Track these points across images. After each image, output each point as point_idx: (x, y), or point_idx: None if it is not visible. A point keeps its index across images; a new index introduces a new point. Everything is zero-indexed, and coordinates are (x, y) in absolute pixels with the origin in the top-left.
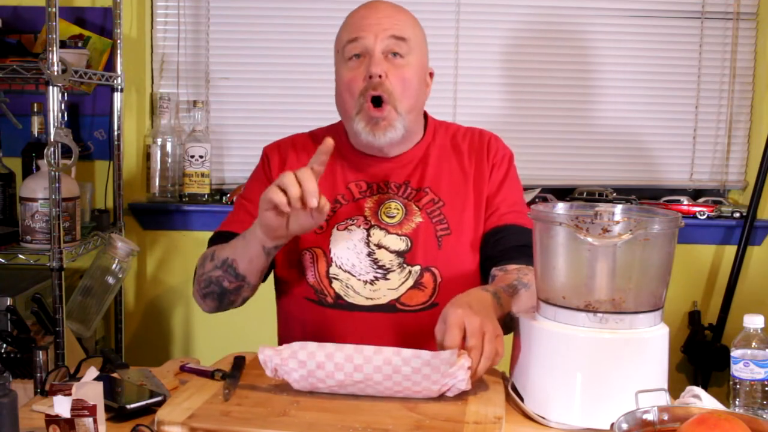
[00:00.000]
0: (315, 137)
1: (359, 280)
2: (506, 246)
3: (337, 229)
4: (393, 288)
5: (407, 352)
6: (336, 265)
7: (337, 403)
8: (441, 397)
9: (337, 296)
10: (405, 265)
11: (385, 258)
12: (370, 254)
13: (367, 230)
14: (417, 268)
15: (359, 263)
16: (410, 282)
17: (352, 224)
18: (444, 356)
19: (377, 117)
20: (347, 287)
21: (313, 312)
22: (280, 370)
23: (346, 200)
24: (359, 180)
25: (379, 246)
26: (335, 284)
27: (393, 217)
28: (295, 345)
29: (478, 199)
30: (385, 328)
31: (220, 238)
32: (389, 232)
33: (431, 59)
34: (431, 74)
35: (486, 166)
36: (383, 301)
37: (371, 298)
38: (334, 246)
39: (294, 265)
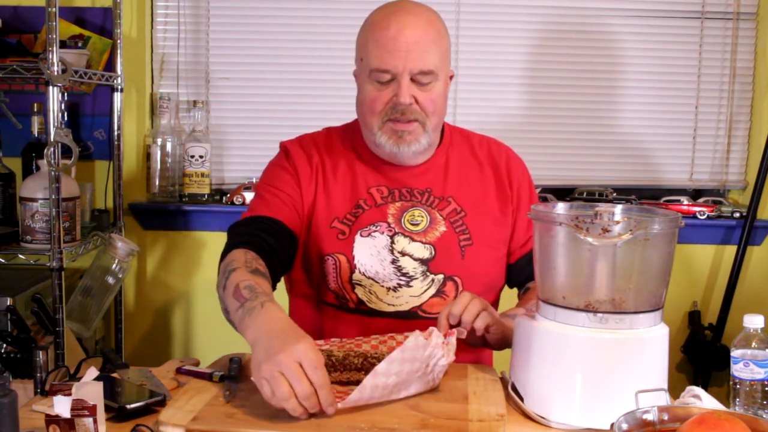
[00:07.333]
0: (331, 137)
1: (382, 286)
2: None
3: (361, 236)
4: (415, 295)
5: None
6: (359, 272)
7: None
8: (442, 396)
9: (360, 302)
10: (428, 273)
11: (409, 265)
12: (393, 261)
13: (391, 237)
14: (440, 276)
15: (383, 270)
16: (433, 290)
17: (375, 231)
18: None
19: (402, 130)
20: (370, 293)
21: (332, 316)
22: None
23: (368, 205)
24: (380, 185)
25: (403, 253)
26: (358, 290)
27: (417, 224)
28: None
29: (503, 217)
30: None
31: (250, 224)
32: (413, 240)
33: None
34: (451, 77)
35: (507, 185)
36: (405, 308)
37: (393, 305)
38: (358, 253)
39: (315, 269)
